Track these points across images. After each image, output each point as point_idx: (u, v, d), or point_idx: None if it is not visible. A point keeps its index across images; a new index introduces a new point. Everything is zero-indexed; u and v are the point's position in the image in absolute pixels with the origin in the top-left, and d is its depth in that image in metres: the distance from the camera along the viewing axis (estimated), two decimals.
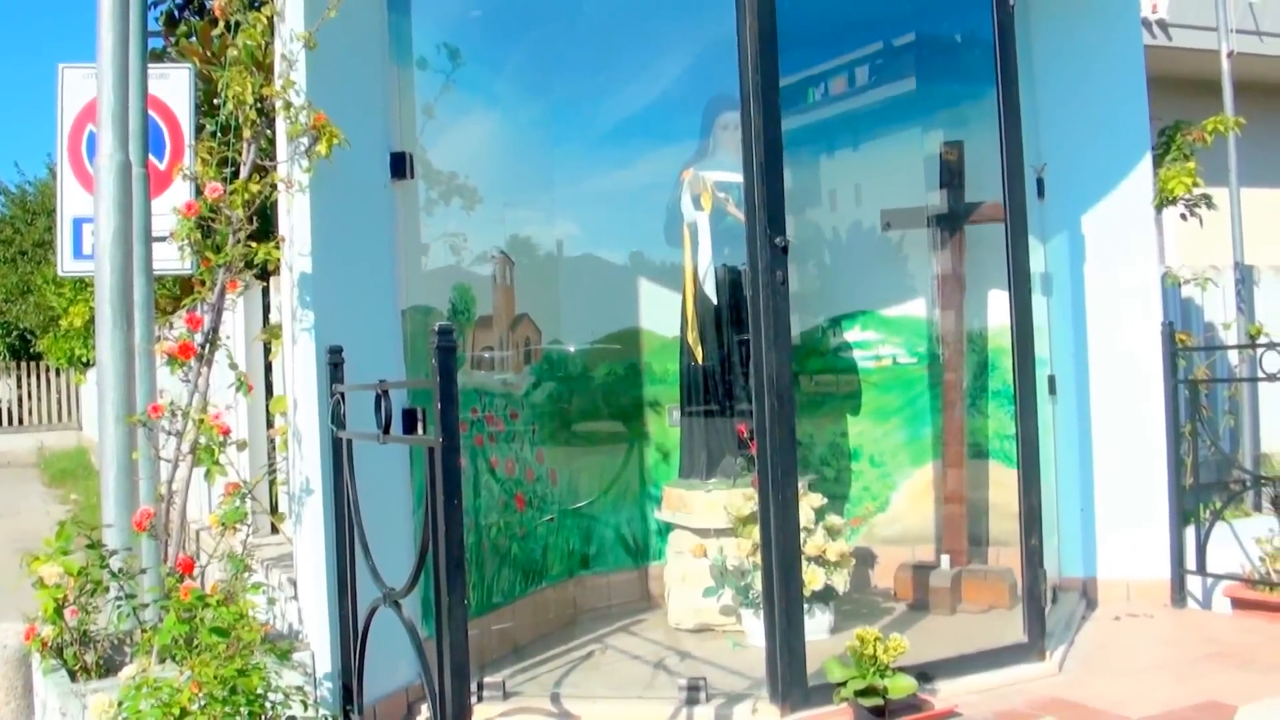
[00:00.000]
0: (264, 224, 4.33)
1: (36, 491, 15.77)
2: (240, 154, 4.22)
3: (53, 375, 23.46)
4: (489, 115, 5.73)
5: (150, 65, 4.71)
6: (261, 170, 4.16)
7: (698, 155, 5.97)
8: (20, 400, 23.53)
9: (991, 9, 4.97)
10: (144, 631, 3.91)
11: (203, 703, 3.03)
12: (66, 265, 5.64)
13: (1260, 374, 5.58)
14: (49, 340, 19.39)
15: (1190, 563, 5.86)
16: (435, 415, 3.02)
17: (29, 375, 23.62)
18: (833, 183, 6.59)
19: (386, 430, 3.45)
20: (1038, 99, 5.99)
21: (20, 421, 23.42)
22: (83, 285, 14.91)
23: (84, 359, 16.89)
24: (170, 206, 5.44)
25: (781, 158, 4.36)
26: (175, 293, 9.53)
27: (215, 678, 3.04)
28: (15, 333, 23.72)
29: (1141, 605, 5.88)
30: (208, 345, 4.10)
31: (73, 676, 3.84)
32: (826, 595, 5.24)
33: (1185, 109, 6.98)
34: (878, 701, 4.12)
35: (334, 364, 4.01)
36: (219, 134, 7.72)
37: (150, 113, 4.67)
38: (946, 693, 4.46)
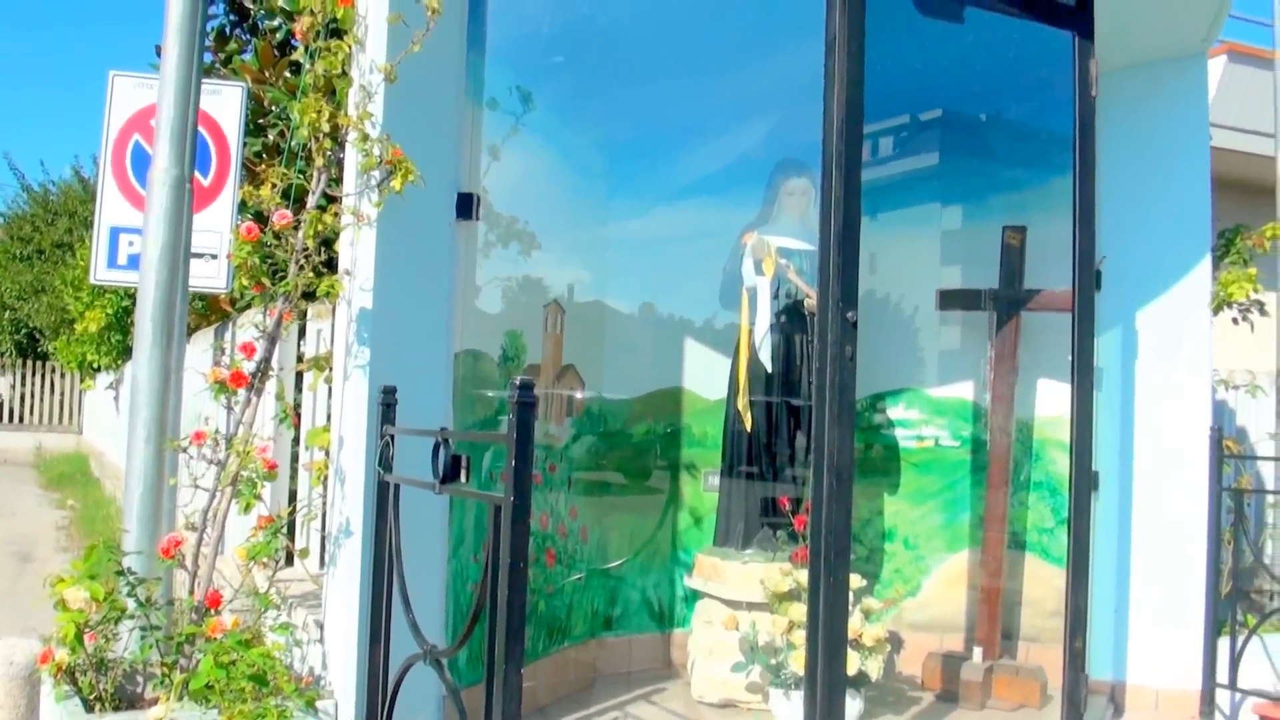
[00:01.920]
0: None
1: (32, 493, 15.62)
2: (308, 180, 4.12)
3: (56, 377, 23.40)
4: (552, 160, 5.65)
5: (203, 81, 4.63)
6: (329, 200, 4.07)
7: (759, 219, 5.87)
8: (22, 398, 23.46)
9: (1073, 100, 4.90)
10: (164, 665, 3.78)
11: None
12: (100, 274, 5.55)
13: None
14: (61, 343, 19.30)
15: (1221, 675, 5.71)
16: (508, 471, 2.89)
17: (33, 374, 23.56)
18: (873, 253, 6.49)
19: (445, 480, 3.32)
20: (1099, 190, 5.92)
21: (20, 420, 23.33)
22: (100, 291, 14.82)
23: (95, 364, 16.77)
24: (215, 224, 5.40)
25: (859, 231, 4.25)
26: (200, 310, 9.44)
27: None
28: (24, 330, 23.63)
29: (1169, 715, 5.72)
30: (259, 375, 3.98)
31: (87, 706, 3.69)
32: (858, 681, 5.09)
33: (1220, 209, 6.90)
34: None
35: (386, 404, 3.88)
36: (263, 155, 7.68)
37: (199, 128, 4.60)
38: None
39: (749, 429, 5.65)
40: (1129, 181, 6.02)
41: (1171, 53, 5.97)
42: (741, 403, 5.64)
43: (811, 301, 5.49)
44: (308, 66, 4.11)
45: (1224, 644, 5.74)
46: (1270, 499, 6.60)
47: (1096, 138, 5.09)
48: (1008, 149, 6.34)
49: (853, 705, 5.07)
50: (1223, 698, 5.73)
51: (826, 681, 4.10)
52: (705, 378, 6.16)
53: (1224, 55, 10.82)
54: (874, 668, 5.13)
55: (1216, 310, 6.10)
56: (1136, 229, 6.01)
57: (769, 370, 5.65)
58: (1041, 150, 5.96)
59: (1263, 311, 6.49)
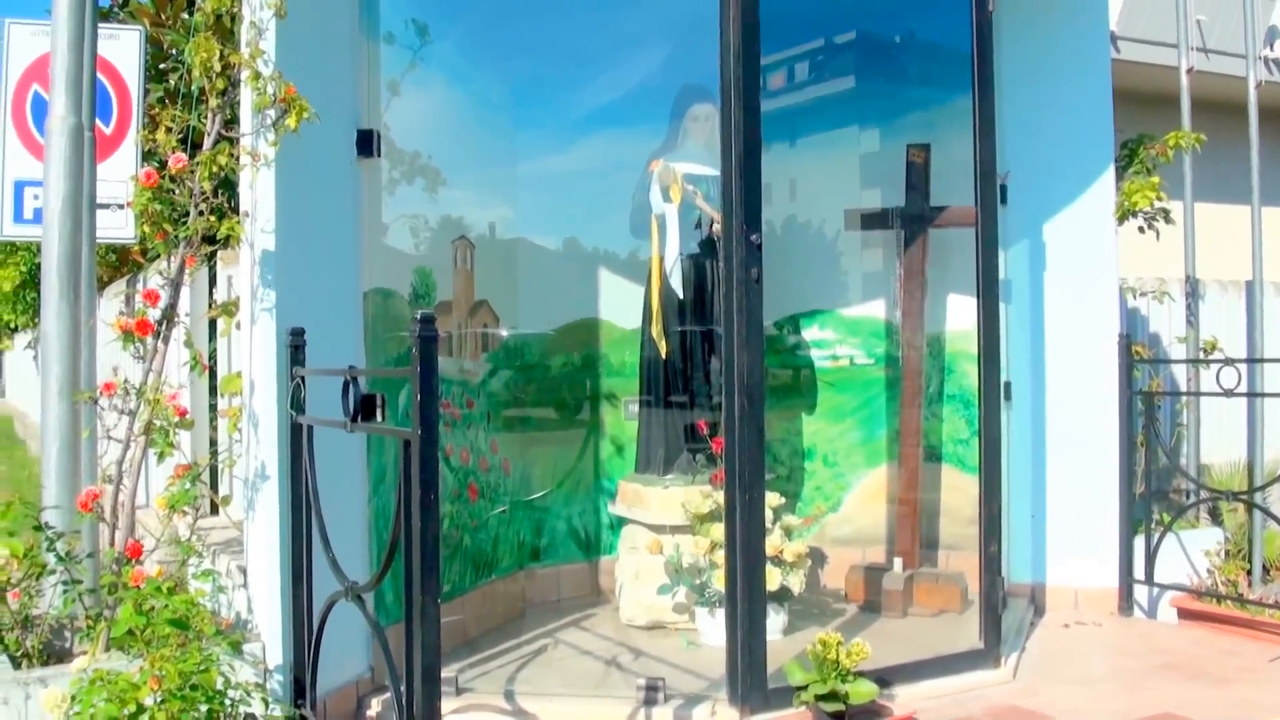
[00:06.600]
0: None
1: None
2: (204, 123, 4.06)
3: None
4: (454, 95, 5.60)
5: (100, 25, 4.53)
6: (226, 141, 4.01)
7: (666, 146, 5.89)
8: None
9: (970, 14, 4.92)
10: (89, 618, 3.77)
11: (160, 699, 2.91)
12: (6, 229, 5.43)
13: (1218, 389, 5.59)
14: None
15: (1139, 572, 5.89)
16: (414, 406, 2.92)
17: None
18: (792, 178, 6.53)
19: (356, 418, 3.33)
20: (1003, 106, 5.94)
21: None
22: (13, 249, 14.49)
23: (12, 324, 16.42)
24: (119, 173, 5.29)
25: (760, 153, 4.25)
26: (112, 262, 9.28)
27: (179, 673, 2.91)
28: None
29: (1089, 613, 5.91)
30: (164, 322, 3.95)
31: (15, 663, 3.69)
32: (781, 596, 5.20)
33: (1131, 122, 6.99)
34: (839, 707, 4.08)
35: (295, 346, 3.88)
36: (166, 100, 7.52)
37: (98, 75, 4.50)
38: (904, 698, 4.44)
39: (665, 356, 5.70)
40: (1033, 95, 6.08)
41: None
42: (656, 330, 5.68)
43: (719, 226, 5.52)
44: (200, 4, 4.04)
45: (1141, 543, 5.92)
46: (1183, 400, 6.75)
47: (996, 52, 5.13)
48: (921, 69, 6.38)
49: (777, 619, 5.18)
50: (1141, 593, 5.91)
51: (746, 595, 4.20)
52: (622, 308, 6.18)
53: None
54: (796, 582, 5.24)
55: (1121, 219, 6.20)
56: (1041, 142, 6.10)
57: (681, 297, 5.69)
58: (954, 69, 6.00)
59: (1168, 219, 6.59)
